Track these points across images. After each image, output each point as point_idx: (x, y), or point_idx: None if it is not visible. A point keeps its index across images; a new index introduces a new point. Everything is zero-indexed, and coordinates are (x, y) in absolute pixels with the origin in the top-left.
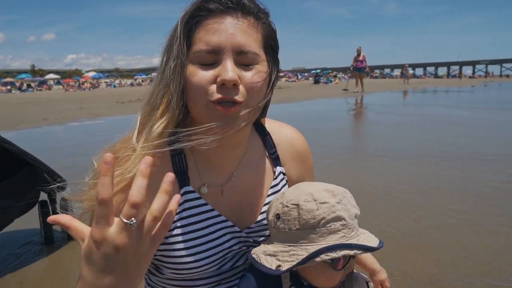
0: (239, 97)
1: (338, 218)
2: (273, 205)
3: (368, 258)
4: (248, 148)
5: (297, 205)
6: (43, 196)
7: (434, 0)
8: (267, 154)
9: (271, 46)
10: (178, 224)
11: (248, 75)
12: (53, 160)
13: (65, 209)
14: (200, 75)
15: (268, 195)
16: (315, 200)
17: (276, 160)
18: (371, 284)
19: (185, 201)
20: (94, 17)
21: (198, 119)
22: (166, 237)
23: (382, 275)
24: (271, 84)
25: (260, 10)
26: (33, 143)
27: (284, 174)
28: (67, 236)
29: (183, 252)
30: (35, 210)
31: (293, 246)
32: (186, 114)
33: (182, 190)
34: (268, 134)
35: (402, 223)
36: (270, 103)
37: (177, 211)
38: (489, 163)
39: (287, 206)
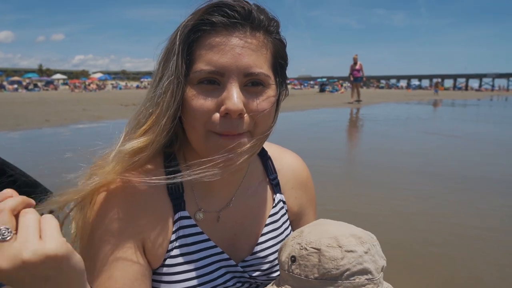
0: (244, 129)
1: (365, 271)
2: (288, 244)
3: None
4: (248, 172)
5: (319, 250)
6: None
7: (443, 12)
8: (267, 179)
9: (279, 64)
10: (172, 253)
11: (255, 102)
12: (47, 163)
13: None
14: (201, 101)
15: (266, 225)
16: (340, 247)
17: (276, 187)
18: None
19: (180, 227)
20: (103, 19)
21: (195, 146)
22: (159, 268)
23: None
24: (279, 106)
25: (270, 22)
26: (32, 145)
27: (284, 202)
28: None
29: (177, 286)
30: None
31: None
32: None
33: (177, 215)
34: (270, 158)
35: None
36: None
37: (171, 239)
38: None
39: (306, 249)
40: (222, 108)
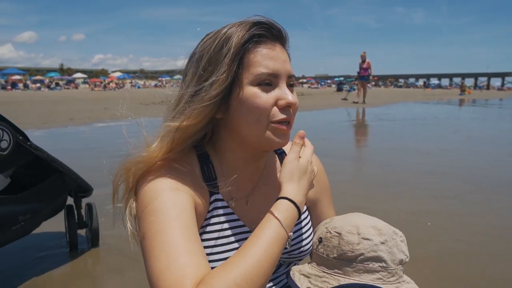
0: (292, 117)
1: (378, 259)
2: (319, 228)
3: None
4: (266, 164)
5: (340, 234)
6: (69, 201)
7: (463, 11)
8: None
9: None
10: (207, 229)
11: (295, 97)
12: (78, 161)
13: (90, 215)
14: (264, 97)
15: None
16: (358, 234)
17: None
18: None
19: (214, 208)
20: (122, 19)
21: (255, 138)
22: None
23: None
24: None
25: (287, 37)
26: (59, 143)
27: None
28: (91, 243)
29: (209, 257)
30: (60, 214)
31: (327, 273)
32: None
33: (212, 198)
34: (284, 152)
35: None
36: None
37: (206, 217)
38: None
39: (330, 233)
40: (283, 102)
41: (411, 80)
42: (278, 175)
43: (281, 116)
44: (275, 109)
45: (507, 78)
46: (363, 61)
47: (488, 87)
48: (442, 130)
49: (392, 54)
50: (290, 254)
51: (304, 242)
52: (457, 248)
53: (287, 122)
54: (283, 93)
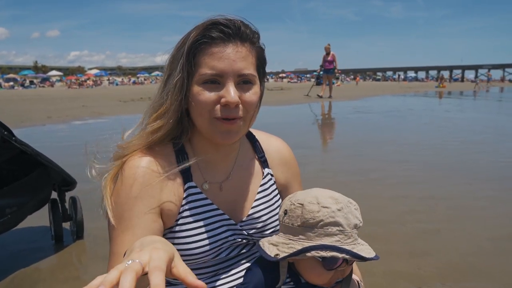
0: (239, 114)
1: (336, 224)
2: (284, 202)
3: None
4: (240, 152)
5: (302, 204)
6: (54, 195)
7: (439, 4)
8: (256, 157)
9: (261, 66)
10: (184, 214)
11: (247, 95)
12: (58, 159)
13: (74, 208)
14: (206, 95)
15: (258, 192)
16: (318, 203)
17: (264, 163)
18: (362, 284)
19: (189, 194)
20: (98, 14)
21: (202, 130)
22: (172, 227)
23: None
24: (261, 97)
25: (254, 35)
26: (38, 141)
27: (272, 175)
28: (76, 235)
29: (187, 239)
30: (44, 209)
31: (292, 240)
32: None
33: (186, 185)
34: (257, 141)
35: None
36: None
37: (182, 204)
38: None
39: (293, 204)
40: (223, 100)
41: (389, 73)
42: (251, 162)
43: (220, 114)
44: (218, 106)
45: (480, 71)
46: (328, 54)
47: (462, 79)
48: (416, 121)
49: (370, 47)
50: (263, 234)
51: (276, 223)
52: (425, 227)
53: (232, 119)
54: (225, 92)
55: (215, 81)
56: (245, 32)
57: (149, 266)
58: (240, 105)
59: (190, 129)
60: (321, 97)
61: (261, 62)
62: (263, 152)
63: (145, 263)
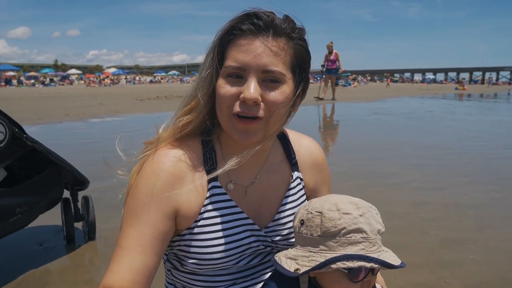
0: (259, 113)
1: (359, 230)
2: (299, 212)
3: (379, 279)
4: (270, 154)
5: (321, 212)
6: (66, 194)
7: (459, 5)
8: (286, 159)
9: (299, 65)
10: (205, 215)
11: (271, 94)
12: (74, 156)
13: (87, 208)
14: (227, 88)
15: (285, 197)
16: (338, 210)
17: (294, 166)
18: None
19: (212, 195)
20: (117, 14)
21: (222, 125)
22: (192, 227)
23: None
24: (296, 101)
25: (294, 29)
26: (55, 139)
27: (301, 179)
28: (88, 236)
29: (207, 243)
30: (57, 207)
31: (313, 252)
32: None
33: (210, 184)
34: (289, 141)
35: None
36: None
37: (204, 204)
38: None
39: (311, 213)
40: (241, 96)
41: (407, 74)
42: (280, 164)
43: (236, 109)
44: (238, 102)
45: (502, 73)
46: (330, 52)
47: (483, 81)
48: (436, 123)
49: (387, 48)
50: (288, 241)
51: None
52: (449, 235)
53: (251, 118)
54: (245, 87)
55: (240, 76)
56: (280, 26)
57: None
58: (262, 104)
59: (219, 125)
60: (321, 99)
61: (298, 61)
62: (294, 153)
63: None
